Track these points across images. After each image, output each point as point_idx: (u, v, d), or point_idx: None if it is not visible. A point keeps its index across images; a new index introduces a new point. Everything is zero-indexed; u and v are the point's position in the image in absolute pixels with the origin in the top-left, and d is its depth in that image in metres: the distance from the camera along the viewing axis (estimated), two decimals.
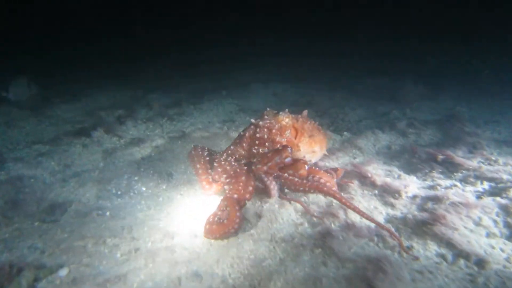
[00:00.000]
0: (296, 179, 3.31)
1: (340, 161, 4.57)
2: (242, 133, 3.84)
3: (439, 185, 3.60)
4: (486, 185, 3.66)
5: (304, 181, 3.29)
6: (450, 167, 3.99)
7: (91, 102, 8.32)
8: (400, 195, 3.42)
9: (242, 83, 10.32)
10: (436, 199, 3.22)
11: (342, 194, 3.64)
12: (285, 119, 3.76)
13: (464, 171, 3.87)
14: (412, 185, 3.57)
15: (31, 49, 14.05)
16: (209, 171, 3.71)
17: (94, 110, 7.52)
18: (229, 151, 3.76)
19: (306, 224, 3.08)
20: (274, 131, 3.65)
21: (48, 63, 13.04)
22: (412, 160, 4.31)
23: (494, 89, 9.34)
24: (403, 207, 3.28)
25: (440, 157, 4.05)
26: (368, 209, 3.32)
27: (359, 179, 3.86)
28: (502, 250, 2.67)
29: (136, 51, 15.34)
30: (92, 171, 4.42)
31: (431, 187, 3.59)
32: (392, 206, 3.32)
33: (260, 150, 3.56)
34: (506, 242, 2.77)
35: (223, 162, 3.60)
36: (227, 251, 2.73)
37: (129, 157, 4.92)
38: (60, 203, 3.60)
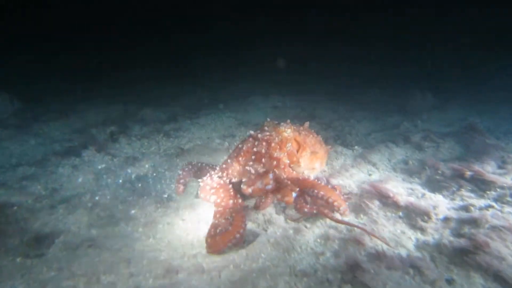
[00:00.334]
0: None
1: (355, 179, 4.29)
2: (240, 145, 3.66)
3: (472, 205, 3.32)
4: None
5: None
6: (481, 185, 3.72)
7: (80, 119, 8.02)
8: (429, 217, 3.14)
9: (240, 96, 10.19)
10: (473, 223, 2.95)
11: (362, 215, 3.39)
12: (287, 130, 3.61)
13: (498, 189, 3.60)
14: (441, 206, 3.30)
15: (13, 62, 13.68)
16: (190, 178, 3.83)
17: (84, 127, 7.24)
18: (224, 166, 3.59)
19: (327, 253, 2.80)
20: (273, 145, 3.46)
21: (33, 77, 12.68)
22: (435, 177, 4.04)
23: (501, 96, 9.19)
24: (434, 232, 3.00)
25: (468, 173, 3.79)
26: (395, 234, 3.04)
27: (380, 199, 3.59)
28: None
29: (127, 64, 15.10)
30: (83, 196, 4.08)
31: (464, 208, 3.31)
32: (422, 230, 3.04)
33: (252, 170, 3.34)
34: None
35: (215, 184, 3.42)
36: None
37: (124, 178, 4.63)
38: (47, 234, 3.27)
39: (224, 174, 3.52)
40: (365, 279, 2.35)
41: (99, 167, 5.03)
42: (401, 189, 3.83)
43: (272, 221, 3.37)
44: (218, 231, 2.88)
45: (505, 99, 8.86)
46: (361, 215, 3.43)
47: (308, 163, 3.82)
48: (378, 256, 2.64)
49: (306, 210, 3.23)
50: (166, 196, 4.08)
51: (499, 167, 4.23)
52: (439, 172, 4.07)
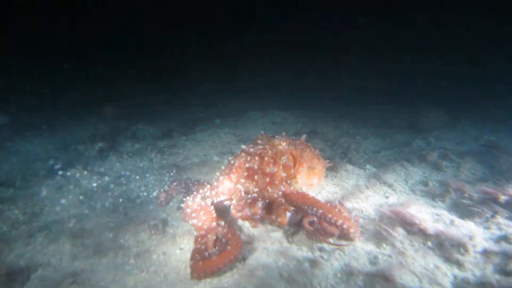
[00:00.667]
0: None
1: (371, 201, 3.97)
2: (232, 161, 3.54)
3: None
4: None
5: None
6: None
7: (67, 134, 7.79)
8: (466, 249, 2.81)
9: (237, 111, 10.06)
10: None
11: (384, 245, 3.06)
12: (282, 143, 3.50)
13: None
14: (477, 236, 2.97)
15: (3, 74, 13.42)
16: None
17: (71, 143, 6.97)
18: (214, 183, 3.48)
19: None
20: (266, 159, 3.30)
21: (18, 90, 12.38)
22: (461, 201, 3.72)
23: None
24: (474, 267, 2.66)
25: (503, 197, 3.47)
26: (427, 268, 2.70)
27: (403, 225, 3.26)
28: None
29: (117, 77, 14.90)
30: (66, 221, 3.72)
31: (504, 239, 2.98)
32: (459, 264, 2.70)
33: (243, 190, 3.17)
34: None
35: (195, 206, 3.33)
36: None
37: (114, 200, 4.29)
38: (22, 268, 2.91)
39: (214, 193, 3.41)
40: None
41: (86, 188, 4.70)
42: (425, 215, 3.50)
43: (284, 251, 3.02)
44: (204, 255, 2.79)
45: None
46: (383, 245, 3.09)
47: (305, 179, 3.68)
48: None
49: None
50: (161, 220, 3.71)
51: None
52: (466, 195, 3.76)
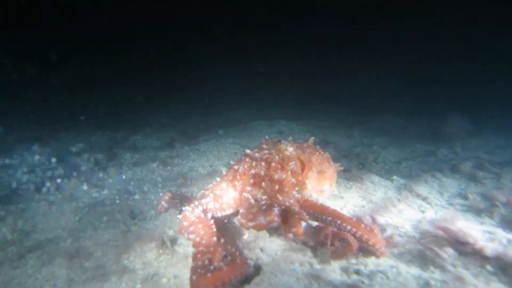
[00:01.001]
0: None
1: (406, 216, 3.64)
2: (235, 167, 3.35)
3: None
4: None
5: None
6: None
7: (62, 146, 7.66)
8: None
9: (240, 121, 10.08)
10: None
11: (432, 267, 2.70)
12: (289, 148, 3.38)
13: None
14: None
15: None
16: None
17: (66, 155, 6.79)
18: (218, 192, 3.28)
19: None
20: (273, 164, 3.20)
21: (9, 100, 12.29)
22: None
23: None
24: None
25: None
26: None
27: (452, 245, 2.90)
28: None
29: (113, 85, 14.88)
30: (61, 240, 3.41)
31: None
32: None
33: (251, 199, 3.00)
34: None
35: (193, 218, 3.02)
36: None
37: (115, 216, 3.97)
38: None
39: (218, 206, 3.23)
40: None
41: (83, 202, 4.40)
42: (475, 232, 3.14)
43: (316, 274, 2.65)
44: (209, 269, 2.52)
45: None
46: (431, 267, 2.73)
47: (315, 185, 3.53)
48: None
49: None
50: (169, 237, 3.36)
51: None
52: None
